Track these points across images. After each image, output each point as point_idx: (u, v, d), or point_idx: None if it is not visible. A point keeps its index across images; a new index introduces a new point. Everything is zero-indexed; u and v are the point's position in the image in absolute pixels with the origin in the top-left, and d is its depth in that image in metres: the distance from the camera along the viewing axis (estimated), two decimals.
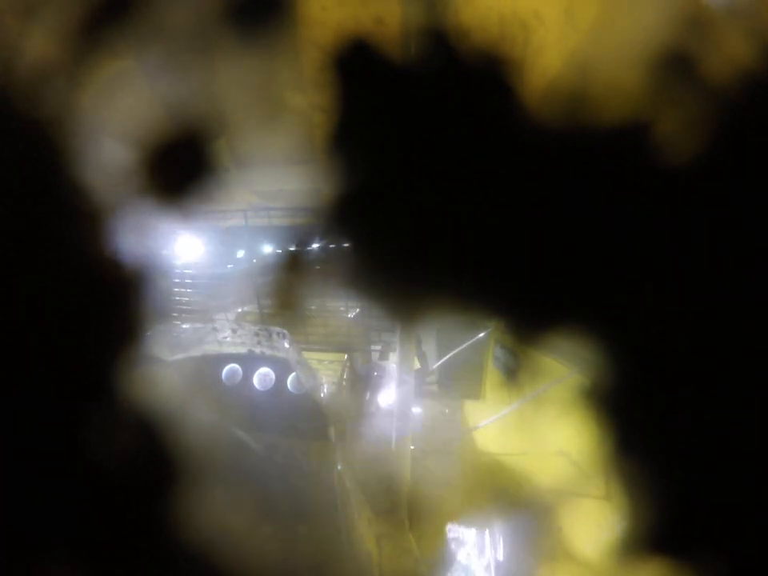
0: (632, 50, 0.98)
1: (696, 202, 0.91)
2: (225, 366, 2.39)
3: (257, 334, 2.46)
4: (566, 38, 1.13)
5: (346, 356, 2.68)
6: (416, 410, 2.32)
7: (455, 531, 2.10)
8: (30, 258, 1.03)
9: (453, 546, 2.02)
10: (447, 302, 1.20)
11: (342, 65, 1.18)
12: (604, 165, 0.97)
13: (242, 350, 2.44)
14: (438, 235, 1.10)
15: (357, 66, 1.16)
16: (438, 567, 1.90)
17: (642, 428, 0.99)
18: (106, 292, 1.17)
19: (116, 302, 1.20)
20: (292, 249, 2.12)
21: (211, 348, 2.49)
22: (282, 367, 2.37)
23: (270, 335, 2.43)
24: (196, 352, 2.45)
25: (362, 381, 2.73)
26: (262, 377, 2.36)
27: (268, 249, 2.76)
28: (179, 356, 2.38)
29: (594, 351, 1.03)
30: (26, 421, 0.98)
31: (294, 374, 2.35)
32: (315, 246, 2.01)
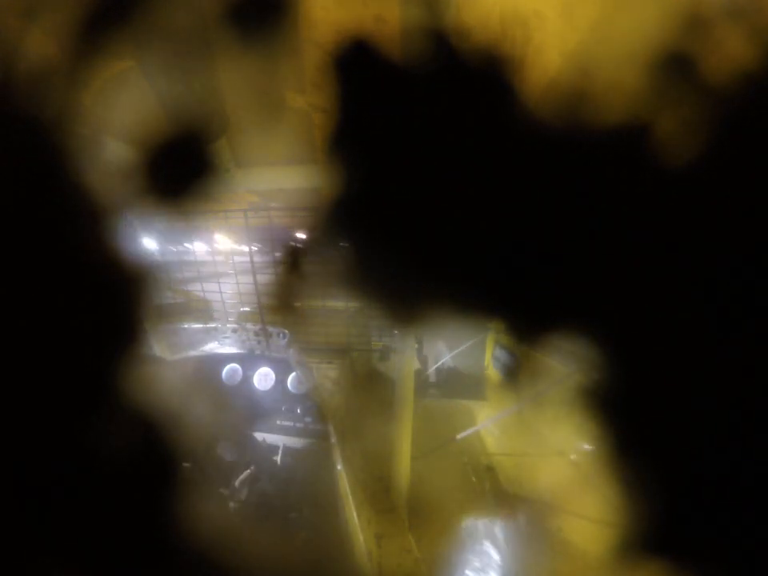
0: (632, 50, 0.98)
1: (696, 202, 0.91)
2: (225, 366, 2.39)
3: (257, 334, 2.46)
4: (566, 36, 1.13)
5: (345, 356, 2.68)
6: (416, 409, 2.32)
7: (455, 531, 2.10)
8: (30, 257, 1.03)
9: (453, 546, 2.02)
10: (447, 303, 1.20)
11: (343, 65, 1.18)
12: (604, 164, 0.97)
13: (242, 349, 2.45)
14: (438, 235, 1.10)
15: (357, 65, 1.16)
16: (438, 567, 1.90)
17: (641, 428, 0.99)
18: (106, 292, 1.17)
19: (116, 301, 1.20)
20: (292, 249, 2.12)
21: (211, 348, 2.50)
22: (282, 367, 2.37)
23: (270, 335, 2.43)
24: (196, 352, 2.45)
25: (361, 381, 2.74)
26: (262, 377, 2.36)
27: (267, 249, 2.77)
28: (179, 356, 2.39)
29: (594, 351, 1.03)
30: (25, 420, 0.98)
31: (293, 373, 2.35)
32: (315, 246, 2.00)
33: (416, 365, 2.80)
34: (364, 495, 2.03)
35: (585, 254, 0.99)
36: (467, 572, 1.89)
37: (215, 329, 2.55)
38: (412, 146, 1.10)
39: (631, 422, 1.01)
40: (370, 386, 2.69)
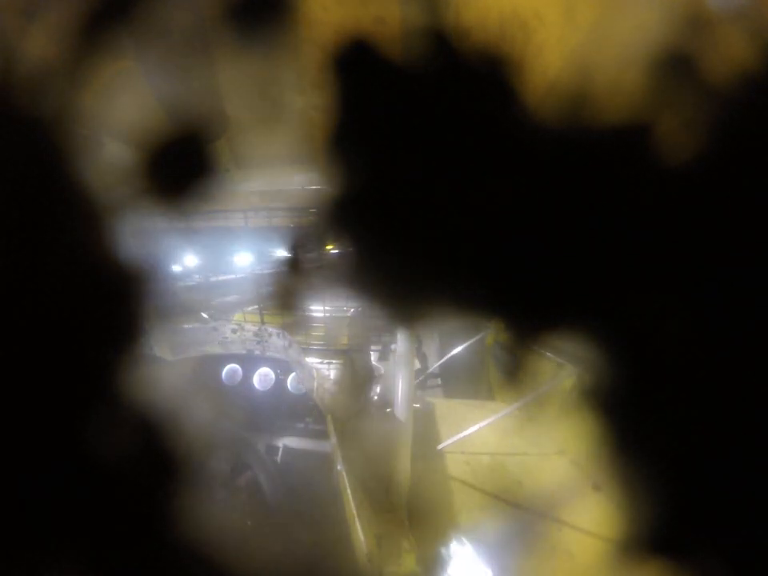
0: (632, 50, 0.98)
1: (696, 202, 0.91)
2: (225, 366, 2.39)
3: (257, 334, 2.46)
4: (566, 37, 1.13)
5: (345, 356, 2.68)
6: (416, 409, 2.32)
7: (455, 531, 2.10)
8: (30, 257, 1.03)
9: (453, 546, 2.02)
10: (447, 302, 1.20)
11: (342, 65, 1.18)
12: (604, 164, 0.97)
13: (242, 350, 2.45)
14: (438, 235, 1.10)
15: (357, 65, 1.16)
16: (437, 567, 1.90)
17: (641, 428, 0.99)
18: (106, 292, 1.17)
19: (116, 302, 1.20)
20: (292, 249, 2.12)
21: (211, 348, 2.49)
22: (282, 367, 2.37)
23: (270, 335, 2.43)
24: (196, 352, 2.45)
25: (361, 381, 2.74)
26: (262, 377, 2.36)
27: (268, 249, 2.76)
28: (179, 356, 2.39)
29: (594, 351, 1.03)
30: (25, 420, 0.98)
31: (293, 373, 2.35)
32: (315, 246, 2.01)
33: (416, 364, 2.80)
34: (364, 495, 2.03)
35: (585, 255, 0.99)
36: (466, 572, 1.89)
37: (215, 329, 2.55)
38: (412, 146, 1.10)
39: (631, 422, 1.01)
40: (369, 385, 2.68)
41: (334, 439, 2.06)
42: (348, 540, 1.78)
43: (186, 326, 2.58)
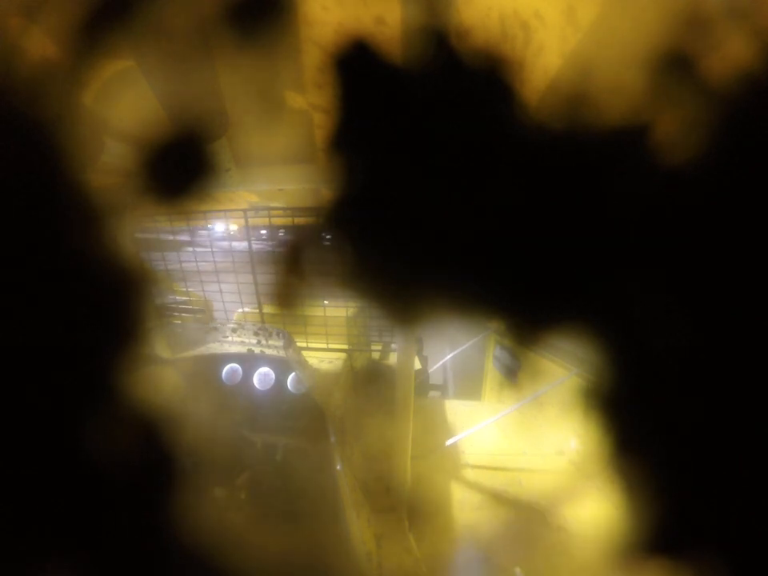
0: (633, 50, 0.98)
1: (697, 202, 0.91)
2: (225, 366, 2.39)
3: (257, 334, 2.46)
4: (566, 37, 1.13)
5: (346, 356, 2.68)
6: (416, 409, 2.32)
7: (455, 531, 2.10)
8: (30, 257, 1.03)
9: (453, 546, 2.02)
10: (447, 303, 1.20)
11: (343, 65, 1.18)
12: (604, 165, 0.97)
13: (242, 349, 2.44)
14: (438, 236, 1.10)
15: (357, 65, 1.16)
16: (438, 567, 1.90)
17: (642, 428, 0.99)
18: (105, 291, 1.17)
19: (116, 301, 1.20)
20: (292, 249, 2.12)
21: (211, 348, 2.49)
22: (282, 367, 2.37)
23: (270, 335, 2.43)
24: (196, 352, 2.45)
25: (362, 381, 2.73)
26: (262, 377, 2.36)
27: (268, 249, 2.77)
28: (179, 356, 2.38)
29: (593, 352, 1.03)
30: (25, 420, 0.98)
31: (293, 373, 2.35)
32: (315, 245, 2.00)
33: (416, 365, 2.80)
34: (364, 495, 2.03)
35: (586, 255, 0.99)
36: (467, 571, 1.89)
37: (215, 329, 2.55)
38: (412, 145, 1.10)
39: (631, 422, 1.01)
40: (369, 385, 2.69)
41: (333, 439, 2.06)
42: (348, 540, 1.78)
43: (185, 325, 2.58)
